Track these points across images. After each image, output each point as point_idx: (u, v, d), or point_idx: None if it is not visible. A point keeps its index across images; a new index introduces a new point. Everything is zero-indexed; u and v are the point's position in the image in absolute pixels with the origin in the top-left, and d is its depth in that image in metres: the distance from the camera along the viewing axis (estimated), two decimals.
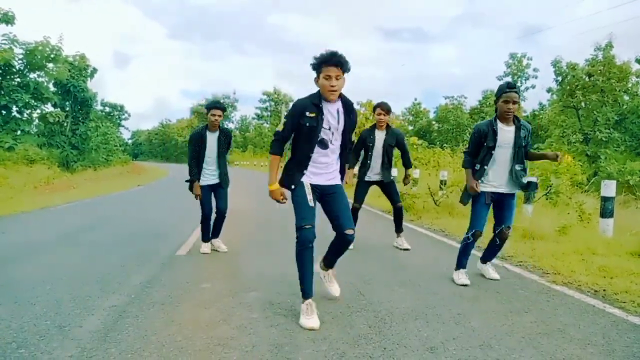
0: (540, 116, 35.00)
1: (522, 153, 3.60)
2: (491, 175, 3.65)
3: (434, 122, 42.51)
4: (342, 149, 2.98)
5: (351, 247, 5.03)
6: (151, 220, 7.46)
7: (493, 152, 3.58)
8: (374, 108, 5.09)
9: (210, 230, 4.83)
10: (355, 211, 5.15)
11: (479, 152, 3.66)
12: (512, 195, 3.73)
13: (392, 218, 5.32)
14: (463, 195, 3.88)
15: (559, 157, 3.55)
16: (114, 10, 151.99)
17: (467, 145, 3.87)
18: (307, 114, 2.77)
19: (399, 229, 5.31)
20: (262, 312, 2.92)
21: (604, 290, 3.55)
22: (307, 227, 2.77)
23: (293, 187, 2.86)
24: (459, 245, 5.35)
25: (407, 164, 5.28)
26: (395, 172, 5.26)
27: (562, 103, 25.92)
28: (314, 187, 2.89)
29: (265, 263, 4.34)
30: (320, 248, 3.38)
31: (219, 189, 4.75)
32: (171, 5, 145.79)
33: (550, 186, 7.61)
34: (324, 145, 2.84)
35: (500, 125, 3.58)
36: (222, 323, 2.72)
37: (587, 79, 24.54)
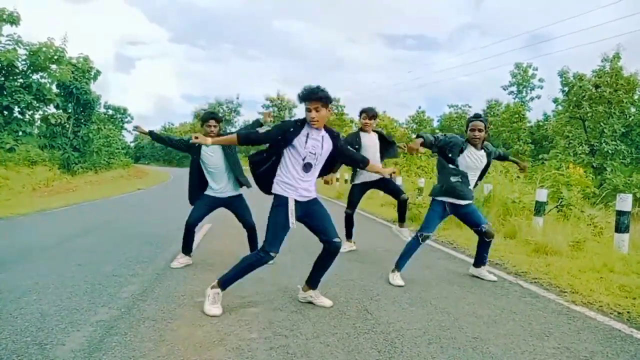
0: (545, 126, 34.80)
1: (482, 175, 4.16)
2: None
3: (437, 131, 42.37)
4: (323, 169, 3.23)
5: (345, 249, 5.21)
6: (149, 226, 7.25)
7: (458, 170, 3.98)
8: (360, 113, 5.22)
9: (194, 243, 4.52)
10: (348, 218, 5.28)
11: (443, 148, 3.99)
12: (470, 203, 4.12)
13: (401, 210, 5.27)
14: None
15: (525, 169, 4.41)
16: (118, 13, 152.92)
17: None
18: (291, 129, 3.00)
19: (402, 219, 5.30)
20: (261, 332, 2.70)
21: (628, 312, 3.31)
22: (272, 254, 2.97)
23: (276, 204, 3.04)
24: (469, 260, 5.16)
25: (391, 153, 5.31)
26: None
27: (568, 114, 25.75)
28: (297, 205, 3.05)
29: (265, 276, 4.10)
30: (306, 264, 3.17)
31: (237, 201, 4.40)
32: (175, 9, 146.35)
33: (562, 198, 7.38)
34: (307, 168, 3.07)
35: (470, 149, 3.98)
36: (218, 344, 2.50)
37: (594, 90, 24.36)
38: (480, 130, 3.93)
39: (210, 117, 4.31)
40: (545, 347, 2.63)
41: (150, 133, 4.72)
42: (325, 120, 3.02)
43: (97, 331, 2.64)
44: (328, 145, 3.11)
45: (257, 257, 3.01)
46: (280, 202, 3.03)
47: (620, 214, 5.49)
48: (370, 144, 5.17)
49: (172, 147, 4.70)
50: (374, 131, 5.23)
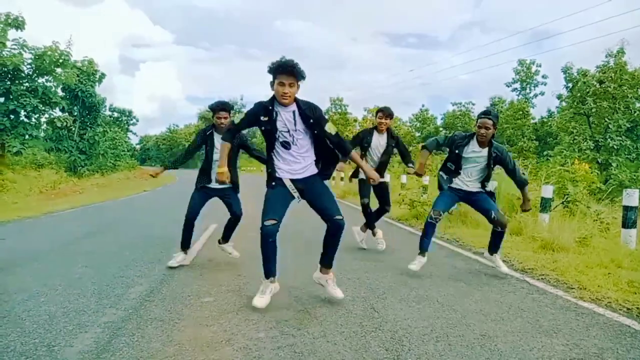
0: (549, 123, 34.57)
1: (489, 173, 4.11)
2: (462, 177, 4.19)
3: (441, 129, 42.21)
4: (317, 146, 3.17)
5: (363, 245, 5.44)
6: (155, 227, 7.27)
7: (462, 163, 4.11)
8: (377, 112, 5.26)
9: (200, 242, 4.55)
10: (365, 207, 5.31)
11: (450, 146, 4.16)
12: (480, 192, 4.17)
13: (377, 216, 5.46)
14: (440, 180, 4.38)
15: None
16: (122, 16, 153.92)
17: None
18: (262, 118, 3.00)
19: (371, 225, 5.43)
20: (268, 332, 2.70)
21: (638, 308, 3.28)
22: (267, 223, 2.95)
23: (273, 183, 3.11)
24: (475, 257, 5.16)
25: (408, 161, 5.36)
26: (388, 177, 5.60)
27: (572, 110, 25.52)
28: (294, 182, 3.11)
29: None
30: (313, 252, 3.17)
31: (230, 193, 4.47)
32: (178, 11, 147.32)
33: (568, 195, 7.33)
34: (285, 146, 3.07)
35: (474, 144, 4.03)
36: (225, 344, 2.50)
37: (598, 85, 24.15)
38: (487, 128, 3.90)
39: (221, 108, 4.29)
40: (554, 344, 2.61)
41: (165, 167, 4.88)
42: (294, 96, 2.99)
43: (105, 332, 2.65)
44: (302, 118, 3.02)
45: (261, 236, 2.99)
46: (275, 182, 3.10)
47: (627, 209, 5.45)
48: (377, 145, 5.18)
49: (190, 156, 4.64)
50: (391, 136, 5.22)
